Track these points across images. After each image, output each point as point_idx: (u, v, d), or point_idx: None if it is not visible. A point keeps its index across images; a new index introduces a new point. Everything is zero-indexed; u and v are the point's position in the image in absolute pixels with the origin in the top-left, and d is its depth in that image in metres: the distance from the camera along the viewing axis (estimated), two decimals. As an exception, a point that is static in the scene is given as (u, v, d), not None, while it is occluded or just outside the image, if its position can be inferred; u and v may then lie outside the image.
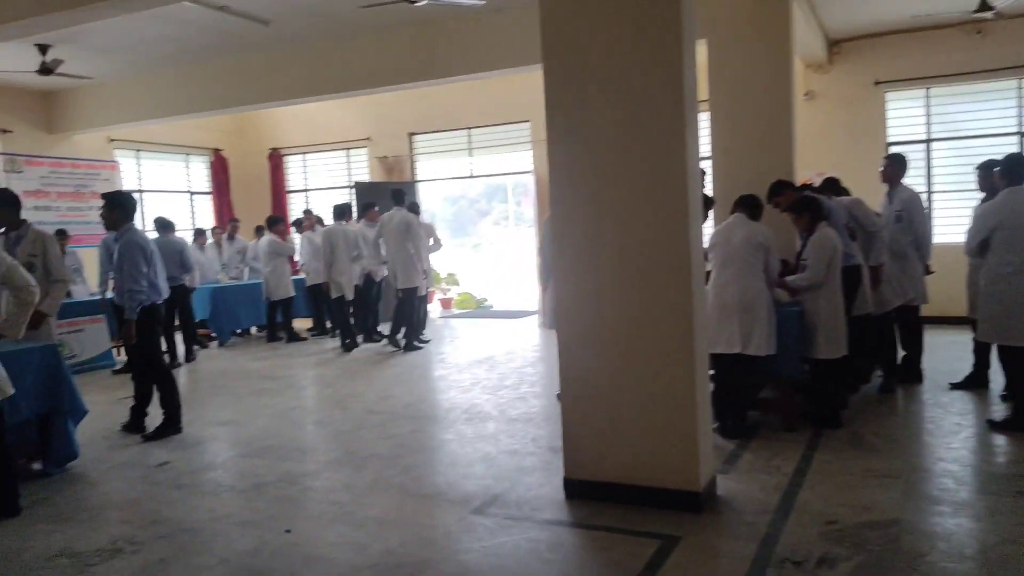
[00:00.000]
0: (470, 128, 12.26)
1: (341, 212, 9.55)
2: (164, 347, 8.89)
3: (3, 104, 10.53)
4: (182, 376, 8.15)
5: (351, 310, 9.71)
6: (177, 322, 8.90)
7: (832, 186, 6.26)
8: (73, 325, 8.55)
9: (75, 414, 4.84)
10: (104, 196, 5.59)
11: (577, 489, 3.91)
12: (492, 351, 8.78)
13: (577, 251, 3.86)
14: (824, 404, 5.07)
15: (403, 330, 9.08)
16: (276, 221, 10.27)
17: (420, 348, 9.03)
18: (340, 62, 9.12)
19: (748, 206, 5.11)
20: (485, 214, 31.00)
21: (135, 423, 5.69)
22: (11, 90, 10.55)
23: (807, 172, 8.35)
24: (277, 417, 5.99)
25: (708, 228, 5.37)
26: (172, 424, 5.59)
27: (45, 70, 8.72)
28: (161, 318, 5.72)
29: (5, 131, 10.57)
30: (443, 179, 13.28)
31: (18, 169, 10.55)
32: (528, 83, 10.95)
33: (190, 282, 9.02)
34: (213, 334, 10.26)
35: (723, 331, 4.85)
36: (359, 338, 9.62)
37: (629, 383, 3.77)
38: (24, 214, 10.25)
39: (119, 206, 5.44)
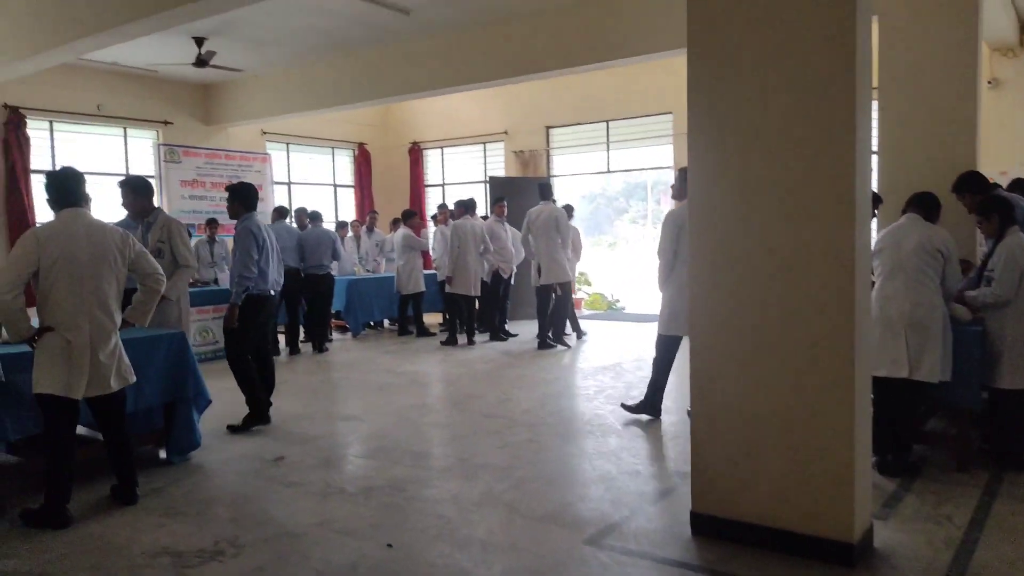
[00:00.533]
0: (608, 121, 11.84)
1: (466, 207, 9.44)
2: (302, 336, 9.26)
3: (166, 96, 11.18)
4: (316, 366, 8.28)
5: (476, 307, 9.62)
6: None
7: (1022, 188, 5.41)
8: (219, 312, 8.88)
9: (199, 403, 4.89)
10: (228, 188, 5.73)
11: (706, 526, 3.45)
12: (621, 357, 8.34)
13: (717, 253, 3.40)
14: (1007, 441, 4.32)
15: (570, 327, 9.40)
16: (411, 215, 10.29)
17: (553, 347, 8.77)
18: (477, 52, 8.97)
19: (923, 206, 4.42)
20: (623, 212, 30.35)
21: (257, 414, 5.72)
22: (173, 83, 11.19)
23: (989, 171, 7.34)
24: (396, 415, 5.87)
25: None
26: (258, 416, 5.56)
27: (200, 62, 9.12)
28: (266, 310, 5.73)
29: (166, 122, 11.22)
30: (580, 174, 12.94)
31: (176, 159, 11.16)
32: (671, 71, 10.38)
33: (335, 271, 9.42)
34: (347, 325, 10.41)
35: (888, 351, 4.21)
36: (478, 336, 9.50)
37: (773, 406, 3.28)
38: (180, 203, 11.05)
39: (240, 197, 5.58)
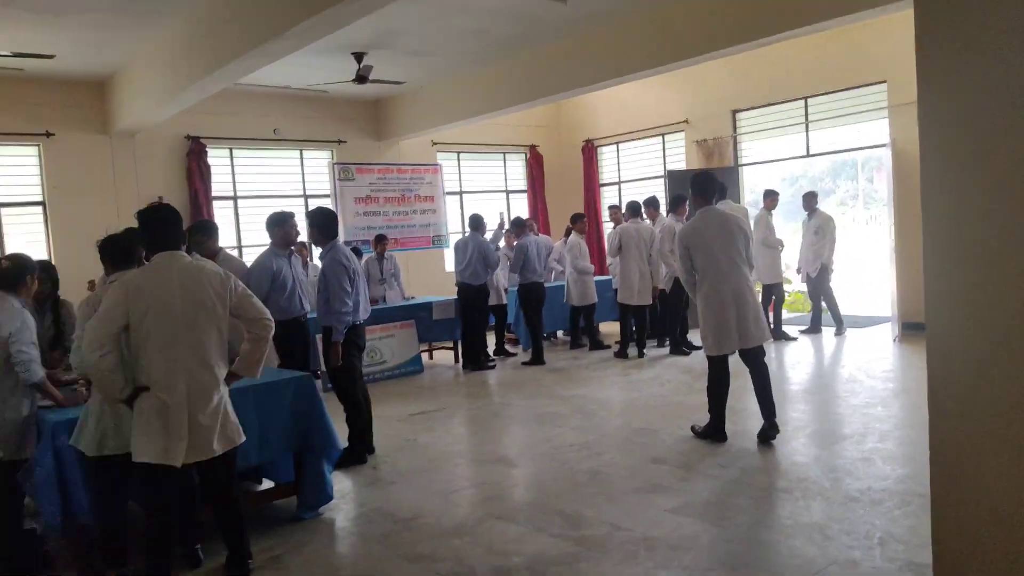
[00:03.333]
0: (806, 98, 10.31)
1: (634, 210, 8.77)
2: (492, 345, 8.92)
3: (338, 116, 11.24)
4: (480, 387, 7.77)
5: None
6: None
7: None
8: (385, 330, 8.67)
9: (330, 454, 4.43)
10: (307, 215, 5.54)
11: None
12: (827, 376, 7.04)
13: (975, 258, 2.35)
14: None
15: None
16: (578, 218, 9.50)
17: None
18: (646, 35, 7.95)
19: None
20: (829, 194, 27.59)
21: (354, 452, 5.31)
22: (344, 102, 11.22)
23: None
24: (551, 458, 5.13)
25: None
26: (354, 453, 5.27)
27: (360, 78, 8.92)
28: (362, 335, 5.53)
29: (340, 141, 11.29)
30: (774, 160, 11.48)
31: (350, 177, 11.19)
32: (882, 33, 8.76)
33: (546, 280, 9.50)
34: (517, 338, 9.85)
35: None
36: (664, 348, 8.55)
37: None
38: (354, 220, 11.03)
39: (319, 224, 5.32)
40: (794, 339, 9.05)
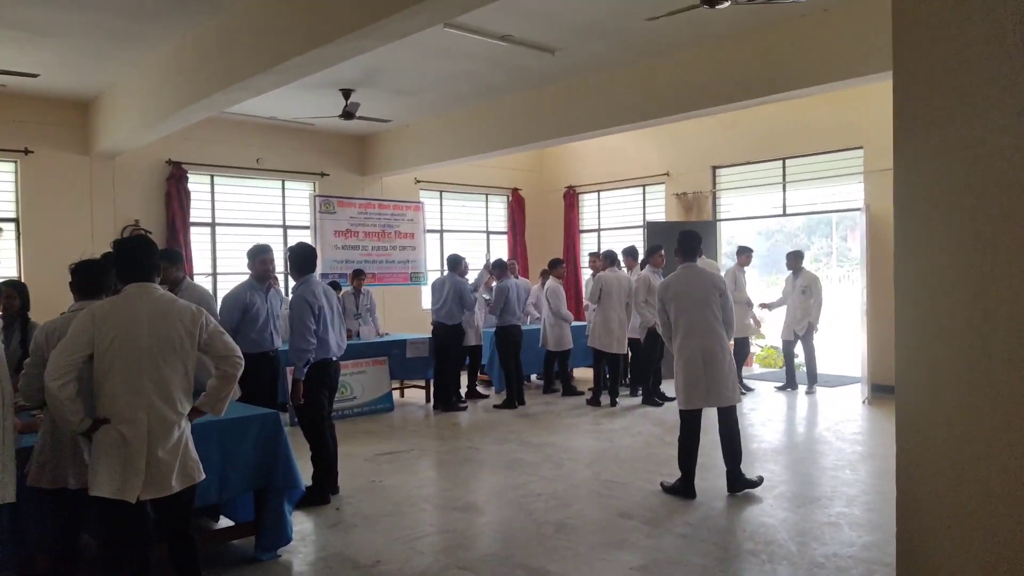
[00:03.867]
0: (785, 159, 10.53)
1: (611, 259, 8.88)
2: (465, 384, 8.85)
3: (322, 148, 11.26)
4: (450, 430, 7.68)
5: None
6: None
7: None
8: (357, 366, 8.57)
9: (291, 494, 4.35)
10: (288, 250, 5.53)
11: None
12: (797, 435, 7.05)
13: (947, 334, 2.37)
14: None
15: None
16: (557, 263, 9.54)
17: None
18: (632, 89, 8.11)
19: None
20: (804, 249, 28.08)
21: (318, 491, 5.21)
22: (329, 136, 11.26)
23: None
24: (518, 507, 5.06)
25: None
26: (318, 493, 5.18)
27: (346, 114, 8.97)
28: (333, 372, 5.46)
29: (323, 174, 11.29)
30: (750, 218, 11.67)
31: (331, 210, 11.18)
32: (862, 101, 9.00)
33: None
34: (491, 380, 9.79)
35: None
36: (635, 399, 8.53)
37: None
38: (332, 253, 10.98)
39: (292, 260, 5.37)
40: (751, 390, 9.33)
